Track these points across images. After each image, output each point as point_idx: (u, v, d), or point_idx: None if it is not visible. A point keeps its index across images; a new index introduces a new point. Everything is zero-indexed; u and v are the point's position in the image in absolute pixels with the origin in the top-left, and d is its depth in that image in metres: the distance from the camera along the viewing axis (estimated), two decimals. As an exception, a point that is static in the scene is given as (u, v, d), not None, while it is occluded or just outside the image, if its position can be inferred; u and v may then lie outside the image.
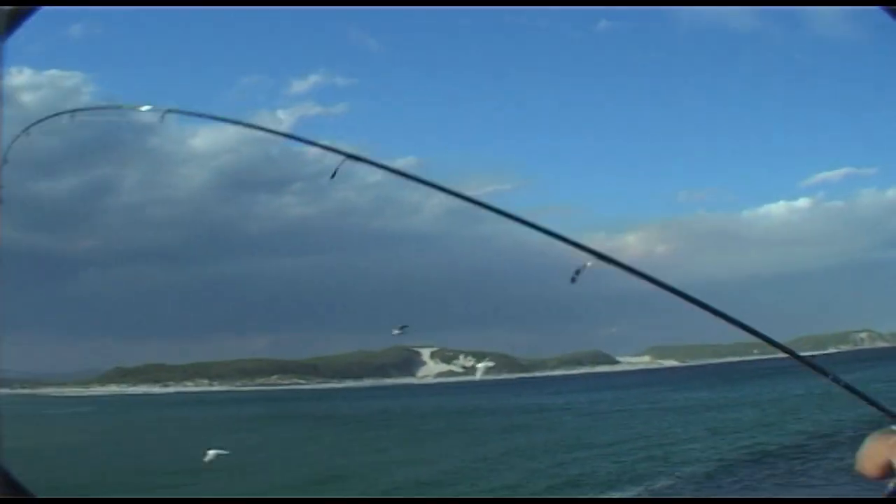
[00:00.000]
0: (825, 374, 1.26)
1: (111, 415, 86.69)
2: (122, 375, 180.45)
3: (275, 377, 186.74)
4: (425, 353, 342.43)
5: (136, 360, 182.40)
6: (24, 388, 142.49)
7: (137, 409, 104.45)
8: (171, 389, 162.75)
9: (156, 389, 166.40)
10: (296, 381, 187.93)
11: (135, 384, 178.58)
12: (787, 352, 1.15)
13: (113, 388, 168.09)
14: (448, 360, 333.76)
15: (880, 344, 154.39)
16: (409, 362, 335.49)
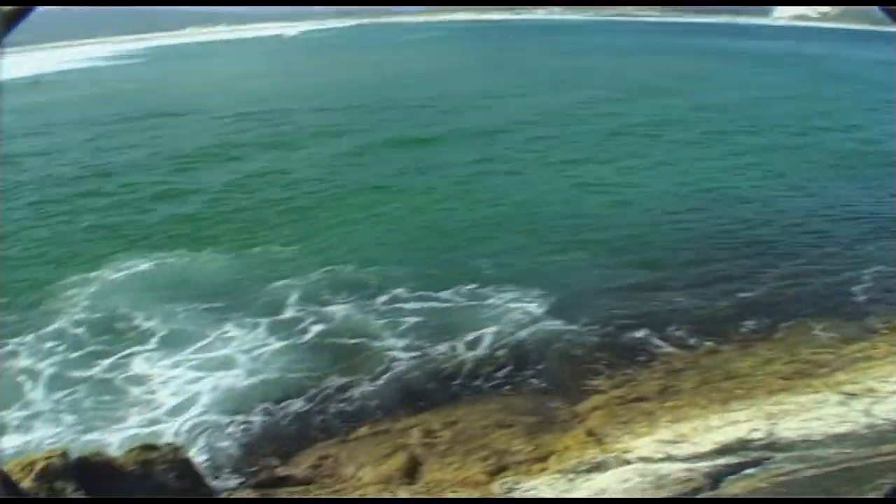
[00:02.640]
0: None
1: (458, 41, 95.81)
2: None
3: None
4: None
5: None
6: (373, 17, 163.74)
7: (471, 35, 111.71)
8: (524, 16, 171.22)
9: (482, 16, 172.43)
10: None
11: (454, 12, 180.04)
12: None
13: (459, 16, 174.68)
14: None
15: None
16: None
